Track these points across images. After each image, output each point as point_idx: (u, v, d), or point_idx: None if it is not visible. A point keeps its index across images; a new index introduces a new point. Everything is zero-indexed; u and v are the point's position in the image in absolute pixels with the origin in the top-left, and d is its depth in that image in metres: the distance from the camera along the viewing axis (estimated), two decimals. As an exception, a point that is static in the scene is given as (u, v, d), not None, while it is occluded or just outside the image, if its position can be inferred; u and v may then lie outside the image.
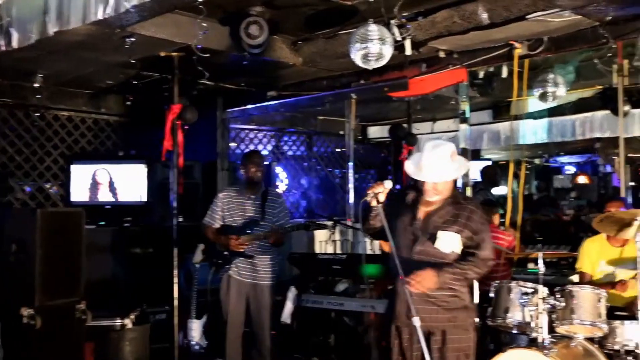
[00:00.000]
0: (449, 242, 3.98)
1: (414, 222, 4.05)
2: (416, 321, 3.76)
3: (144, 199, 7.49)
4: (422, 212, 4.07)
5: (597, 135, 8.86)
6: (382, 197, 3.89)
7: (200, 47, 5.55)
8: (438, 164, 3.93)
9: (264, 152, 10.38)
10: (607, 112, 7.98)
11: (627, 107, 7.17)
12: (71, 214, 5.67)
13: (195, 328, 5.89)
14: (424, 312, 3.88)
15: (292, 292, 6.30)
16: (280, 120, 9.96)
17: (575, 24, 5.48)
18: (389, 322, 4.16)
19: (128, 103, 8.63)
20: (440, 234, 3.97)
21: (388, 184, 3.92)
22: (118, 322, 6.00)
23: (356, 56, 5.26)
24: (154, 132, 6.89)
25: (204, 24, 5.25)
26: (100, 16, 4.49)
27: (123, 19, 4.93)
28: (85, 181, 7.69)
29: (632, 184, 8.87)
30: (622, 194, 6.75)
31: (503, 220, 6.80)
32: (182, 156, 6.58)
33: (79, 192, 7.68)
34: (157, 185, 7.45)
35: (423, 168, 3.96)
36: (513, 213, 6.77)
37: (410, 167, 4.04)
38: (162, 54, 6.30)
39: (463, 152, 6.40)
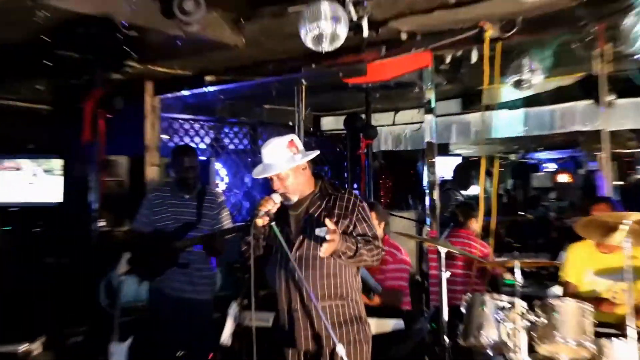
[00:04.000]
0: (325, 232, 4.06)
1: (288, 232, 4.17)
2: (340, 350, 3.83)
3: (59, 199, 7.37)
4: (292, 219, 4.22)
5: (579, 128, 9.01)
6: (273, 215, 4.04)
7: (126, 23, 5.47)
8: (273, 154, 4.08)
9: (201, 146, 10.33)
10: (590, 102, 8.13)
11: (611, 97, 7.31)
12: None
13: (119, 353, 5.81)
14: (307, 329, 4.06)
15: (233, 309, 6.24)
16: (220, 109, 9.93)
17: (552, 3, 5.54)
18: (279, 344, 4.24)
19: (40, 87, 8.48)
20: (317, 231, 4.07)
21: (277, 198, 4.06)
22: (23, 347, 5.85)
23: (307, 37, 5.25)
24: (71, 121, 6.79)
25: (131, -3, 5.21)
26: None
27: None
28: (-13, 179, 7.55)
29: (619, 182, 9.06)
30: (608, 194, 6.87)
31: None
32: (104, 150, 6.49)
33: (-21, 192, 7.53)
34: (75, 183, 7.35)
35: (262, 162, 4.14)
36: (486, 215, 6.86)
37: (256, 169, 4.19)
38: (81, 30, 6.20)
39: (429, 147, 6.45)
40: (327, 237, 3.84)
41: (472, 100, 9.72)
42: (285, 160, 4.08)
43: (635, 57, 5.85)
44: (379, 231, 6.00)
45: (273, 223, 4.00)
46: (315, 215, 4.13)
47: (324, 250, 3.87)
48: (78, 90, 6.71)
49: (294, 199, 4.15)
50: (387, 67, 6.59)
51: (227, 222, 5.86)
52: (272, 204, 4.03)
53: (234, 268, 6.89)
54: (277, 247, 4.15)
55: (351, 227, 4.12)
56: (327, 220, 3.88)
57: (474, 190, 9.29)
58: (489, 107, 8.04)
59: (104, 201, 6.52)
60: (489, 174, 7.95)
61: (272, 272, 4.23)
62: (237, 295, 5.88)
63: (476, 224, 6.72)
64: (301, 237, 4.12)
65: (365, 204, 4.23)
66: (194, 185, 5.84)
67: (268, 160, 4.11)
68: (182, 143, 9.73)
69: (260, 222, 3.99)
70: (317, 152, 4.20)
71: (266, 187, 10.37)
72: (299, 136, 8.02)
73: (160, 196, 5.85)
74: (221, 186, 10.28)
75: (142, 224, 5.83)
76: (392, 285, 5.88)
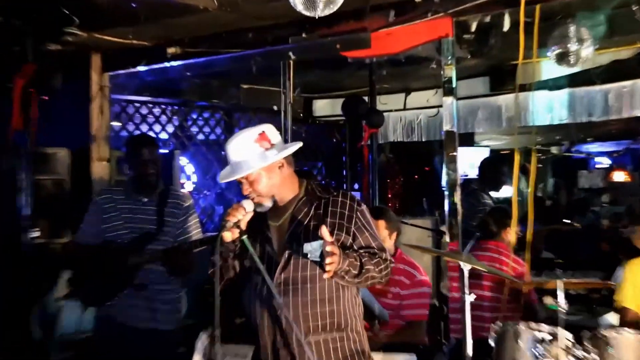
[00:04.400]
0: (318, 248, 4.05)
1: (268, 245, 4.17)
2: None
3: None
4: (274, 232, 4.21)
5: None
6: (243, 226, 4.00)
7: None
8: (239, 151, 4.06)
9: (163, 136, 10.33)
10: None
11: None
12: None
13: (57, 397, 5.84)
14: None
15: (202, 342, 6.25)
16: (187, 89, 9.94)
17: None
18: None
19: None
20: (307, 246, 4.06)
21: (249, 206, 4.04)
22: None
23: (296, -2, 5.26)
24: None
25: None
26: None
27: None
28: None
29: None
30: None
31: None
32: (38, 140, 6.50)
33: None
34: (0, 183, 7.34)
35: (230, 165, 4.11)
36: (520, 223, 6.87)
37: (223, 171, 4.18)
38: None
39: (449, 137, 6.46)
40: (327, 249, 3.79)
41: (503, 78, 9.75)
42: (255, 158, 4.04)
43: None
44: (390, 244, 6.02)
45: (245, 237, 3.96)
46: (303, 225, 4.10)
47: (328, 269, 3.82)
48: (4, 66, 6.70)
49: (269, 204, 4.12)
50: (397, 37, 6.60)
51: (195, 231, 5.86)
52: (243, 212, 3.99)
53: (203, 290, 6.90)
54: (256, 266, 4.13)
55: (350, 239, 4.10)
56: (322, 229, 3.84)
57: (505, 191, 9.28)
58: (524, 87, 8.08)
59: (38, 205, 6.50)
60: (524, 171, 7.98)
61: (250, 299, 4.21)
62: (207, 324, 5.90)
63: (509, 235, 6.73)
64: (287, 255, 4.09)
65: (364, 207, 4.21)
66: (154, 185, 5.83)
67: (235, 159, 4.08)
68: (138, 132, 9.72)
69: (229, 235, 3.96)
70: (299, 145, 4.17)
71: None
72: (285, 124, 8.07)
73: (111, 199, 5.84)
74: (188, 186, 10.29)
75: (86, 235, 5.82)
76: (412, 315, 5.90)
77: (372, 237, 4.15)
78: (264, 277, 3.95)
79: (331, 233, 4.01)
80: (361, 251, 4.05)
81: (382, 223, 5.98)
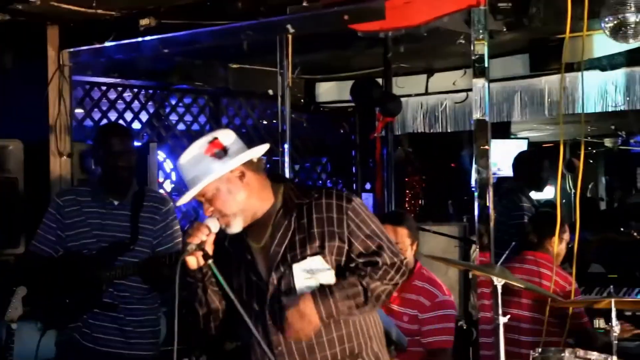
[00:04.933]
0: (311, 277, 4.06)
1: (251, 271, 4.15)
2: None
3: None
4: (256, 252, 4.17)
5: None
6: (209, 248, 3.99)
7: None
8: (192, 167, 4.03)
9: (136, 125, 10.34)
10: None
11: None
12: None
13: None
14: None
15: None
16: (164, 69, 9.95)
17: None
18: None
19: None
20: (297, 269, 4.05)
21: (214, 226, 4.01)
22: None
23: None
24: None
25: None
26: None
27: None
28: None
29: None
30: None
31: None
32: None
33: None
34: None
35: (186, 182, 4.09)
36: (566, 230, 6.94)
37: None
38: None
39: (479, 127, 6.50)
40: (288, 313, 3.88)
41: (546, 56, 9.78)
42: (206, 171, 4.00)
43: None
44: (410, 255, 6.06)
45: (210, 261, 3.94)
46: (287, 241, 4.07)
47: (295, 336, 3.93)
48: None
49: (238, 225, 4.08)
50: (417, 6, 6.63)
51: (176, 241, 5.91)
52: (206, 232, 3.96)
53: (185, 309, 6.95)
54: (245, 287, 4.14)
55: (346, 248, 4.07)
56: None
57: (546, 192, 9.34)
58: (571, 67, 8.13)
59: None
60: (570, 167, 8.06)
61: (242, 325, 4.16)
62: (189, 349, 6.01)
63: (553, 245, 6.75)
64: (274, 280, 4.07)
65: (356, 202, 4.14)
66: (126, 184, 5.89)
67: (188, 176, 4.04)
68: (106, 121, 9.78)
69: (193, 261, 3.96)
70: (264, 148, 4.15)
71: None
72: (282, 112, 8.11)
73: (75, 201, 5.90)
74: (166, 186, 10.31)
75: (45, 244, 5.89)
76: (434, 343, 5.95)
77: (370, 238, 4.09)
78: (242, 308, 3.93)
79: (321, 245, 4.03)
80: (360, 262, 4.05)
81: (403, 231, 6.00)
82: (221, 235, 4.09)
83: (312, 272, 4.03)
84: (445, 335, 5.96)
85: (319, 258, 4.04)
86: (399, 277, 4.09)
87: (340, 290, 3.94)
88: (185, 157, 4.02)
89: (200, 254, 3.93)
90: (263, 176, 4.15)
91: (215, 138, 4.02)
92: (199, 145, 4.00)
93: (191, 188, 3.98)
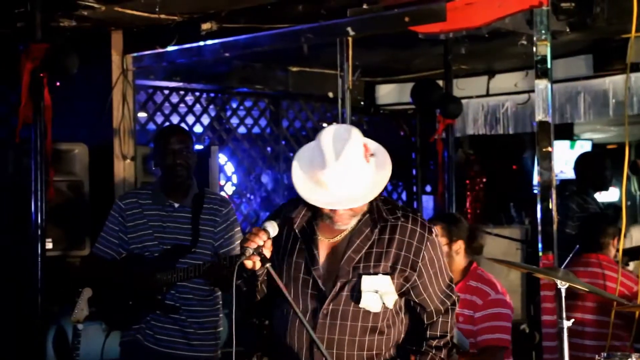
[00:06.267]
0: (376, 293, 4.06)
1: (312, 266, 4.12)
2: None
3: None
4: (323, 245, 4.16)
5: None
6: (267, 252, 3.97)
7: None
8: (351, 177, 3.90)
9: (197, 129, 10.39)
10: None
11: None
12: None
13: None
14: None
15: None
16: (225, 73, 9.98)
17: None
18: None
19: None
20: (366, 282, 4.04)
21: (273, 229, 4.00)
22: None
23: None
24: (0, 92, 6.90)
25: None
26: None
27: None
28: None
29: None
30: None
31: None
32: (51, 134, 6.58)
33: None
34: (7, 185, 7.45)
35: (327, 184, 3.91)
36: (629, 233, 6.87)
37: (300, 181, 4.02)
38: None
39: (542, 129, 6.44)
40: None
41: (610, 56, 9.69)
42: (375, 175, 3.96)
43: None
44: (460, 260, 6.02)
45: (269, 265, 3.94)
46: (363, 251, 4.07)
47: None
48: (10, 45, 6.80)
49: (352, 223, 4.10)
50: (478, 7, 6.59)
51: (237, 243, 5.80)
52: (264, 238, 3.94)
53: (247, 311, 6.96)
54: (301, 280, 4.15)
55: (415, 276, 4.09)
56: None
57: (611, 194, 9.25)
58: (637, 67, 8.03)
59: (51, 212, 6.58)
60: (634, 169, 7.96)
61: (282, 326, 4.20)
62: (252, 351, 6.00)
63: (616, 246, 6.70)
64: (339, 284, 4.06)
65: (436, 237, 4.18)
66: (185, 185, 5.90)
67: (344, 181, 3.88)
68: (168, 124, 9.80)
69: (250, 263, 3.96)
70: (387, 158, 4.08)
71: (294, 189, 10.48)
72: (342, 114, 8.10)
73: (136, 204, 5.92)
74: (227, 189, 10.34)
75: (108, 247, 5.92)
76: (487, 341, 5.90)
77: (441, 275, 4.17)
78: (294, 310, 3.91)
79: (393, 267, 4.05)
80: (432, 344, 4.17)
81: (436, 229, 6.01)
82: (295, 222, 4.15)
83: (378, 290, 4.04)
84: (499, 334, 5.88)
85: (388, 279, 4.05)
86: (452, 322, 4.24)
87: None
88: (344, 160, 3.86)
89: (257, 258, 3.92)
90: None
91: (365, 144, 3.96)
92: (357, 150, 3.90)
93: (348, 197, 3.90)
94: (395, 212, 4.16)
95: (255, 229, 3.99)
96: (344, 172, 3.86)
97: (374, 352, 4.10)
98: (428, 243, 4.11)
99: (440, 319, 4.19)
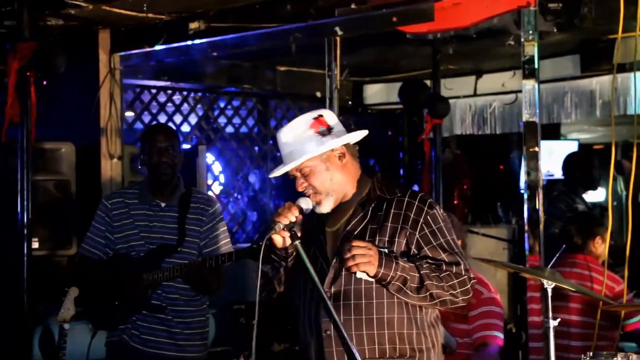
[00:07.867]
0: None
1: (320, 256, 4.16)
2: None
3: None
4: (328, 232, 4.21)
5: None
6: (297, 229, 3.99)
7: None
8: (292, 139, 4.07)
9: (185, 128, 10.39)
10: None
11: None
12: None
13: None
14: None
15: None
16: (213, 72, 9.98)
17: None
18: None
19: None
20: None
21: (306, 204, 4.04)
22: None
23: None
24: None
25: None
26: None
27: None
28: None
29: None
30: None
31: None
32: (37, 133, 6.56)
33: None
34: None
35: (282, 156, 4.13)
36: (615, 234, 6.86)
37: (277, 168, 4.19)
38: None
39: (529, 129, 6.45)
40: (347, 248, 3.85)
41: (597, 57, 9.70)
42: (310, 145, 4.05)
43: None
44: None
45: (298, 242, 3.93)
46: (358, 229, 4.09)
47: (350, 265, 3.88)
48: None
49: (328, 205, 4.12)
50: (466, 7, 6.59)
51: (223, 242, 5.90)
52: (296, 214, 3.97)
53: (234, 311, 6.93)
54: (307, 279, 4.12)
55: (413, 249, 4.06)
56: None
57: (597, 195, 9.23)
58: (623, 68, 8.03)
59: (38, 211, 6.57)
60: (620, 170, 7.95)
61: (301, 319, 4.24)
62: (238, 351, 5.98)
63: (602, 247, 6.70)
64: (337, 265, 4.06)
65: (438, 211, 4.14)
66: (173, 186, 5.89)
67: (286, 150, 4.08)
68: (155, 123, 9.77)
69: (279, 240, 3.97)
70: (364, 133, 4.22)
71: (285, 190, 10.47)
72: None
73: (123, 204, 5.91)
74: (215, 189, 10.34)
75: (94, 246, 5.91)
76: (482, 338, 5.90)
77: (443, 248, 4.06)
78: (321, 292, 3.91)
79: (390, 240, 4.04)
80: (423, 263, 4.00)
81: None
82: (307, 215, 4.14)
83: None
84: (493, 331, 5.90)
85: (382, 250, 4.01)
86: (460, 292, 4.04)
87: (402, 265, 3.92)
88: (288, 130, 4.09)
89: (287, 234, 3.94)
90: (358, 164, 4.24)
91: (321, 115, 4.11)
92: (304, 121, 4.08)
93: (289, 162, 4.05)
94: (392, 191, 4.19)
95: (289, 203, 4.03)
96: (284, 134, 4.08)
97: (396, 331, 4.07)
98: (427, 217, 4.08)
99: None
